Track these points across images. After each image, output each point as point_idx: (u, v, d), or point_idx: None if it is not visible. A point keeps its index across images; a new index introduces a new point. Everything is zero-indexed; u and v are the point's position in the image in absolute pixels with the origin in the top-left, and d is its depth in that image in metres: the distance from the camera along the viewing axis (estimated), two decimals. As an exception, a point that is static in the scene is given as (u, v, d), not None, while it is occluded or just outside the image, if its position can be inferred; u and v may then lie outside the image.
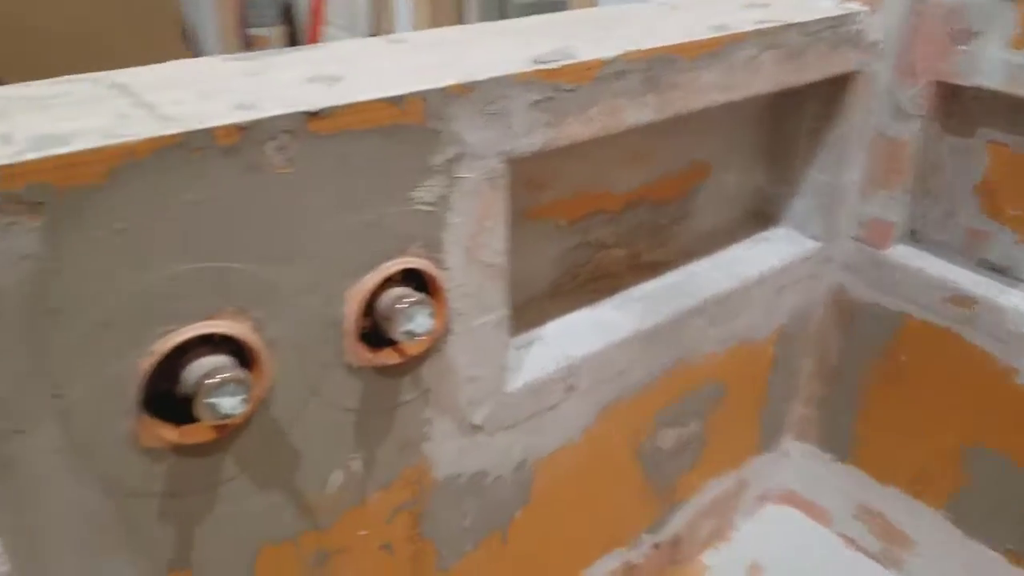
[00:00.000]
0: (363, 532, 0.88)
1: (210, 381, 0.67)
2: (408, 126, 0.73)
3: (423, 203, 0.78)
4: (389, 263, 0.78)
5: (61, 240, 0.59)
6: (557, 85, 0.83)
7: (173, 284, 0.65)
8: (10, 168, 0.56)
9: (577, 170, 1.05)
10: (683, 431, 1.24)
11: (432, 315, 0.78)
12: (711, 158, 1.23)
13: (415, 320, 0.77)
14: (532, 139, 0.84)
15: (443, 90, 0.74)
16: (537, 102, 0.82)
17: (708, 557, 1.42)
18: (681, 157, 1.18)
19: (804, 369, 1.42)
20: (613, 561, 1.23)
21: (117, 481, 0.68)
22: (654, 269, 1.18)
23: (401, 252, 0.78)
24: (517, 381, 0.95)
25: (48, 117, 0.63)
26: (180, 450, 0.71)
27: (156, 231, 0.63)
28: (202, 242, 0.66)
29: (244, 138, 0.65)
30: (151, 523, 0.72)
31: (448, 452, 0.92)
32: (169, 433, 0.69)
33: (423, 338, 0.79)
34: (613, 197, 1.12)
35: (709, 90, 0.96)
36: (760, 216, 1.34)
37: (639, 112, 0.91)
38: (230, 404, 0.68)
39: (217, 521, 0.76)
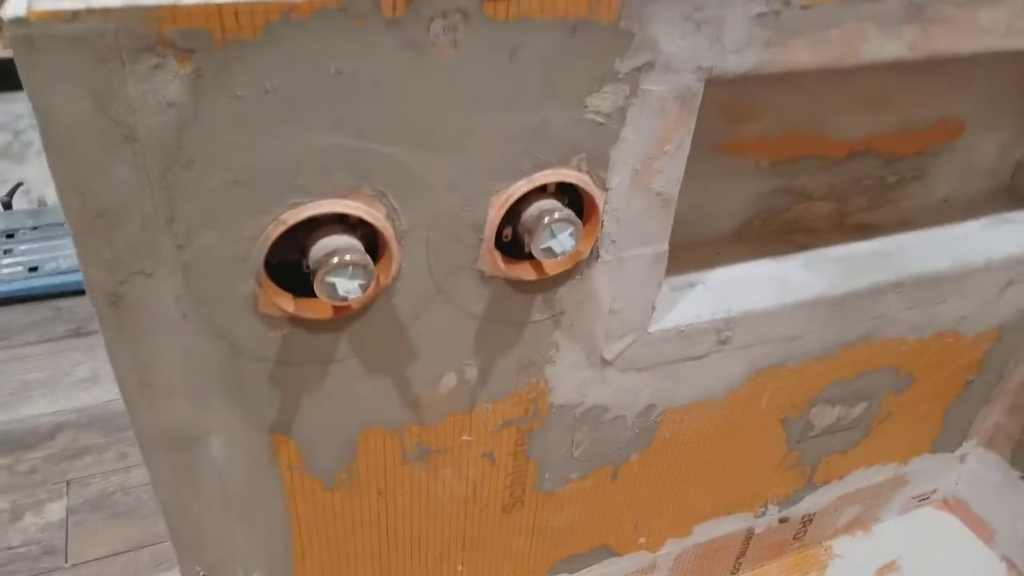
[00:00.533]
0: (467, 437, 0.86)
1: (333, 260, 0.63)
2: (597, 24, 0.63)
3: (596, 112, 0.68)
4: (544, 172, 0.70)
5: (206, 91, 0.56)
6: (790, 0, 0.68)
7: (313, 155, 0.61)
8: (171, 10, 0.52)
9: (792, 104, 0.89)
10: (847, 412, 1.10)
11: (576, 235, 0.70)
12: (967, 116, 1.01)
13: (557, 238, 0.70)
14: (743, 58, 0.70)
15: (646, -15, 0.62)
16: (761, 15, 0.68)
17: (840, 544, 1.30)
18: (929, 109, 0.98)
19: (1017, 377, 1.20)
20: (732, 524, 1.15)
21: (231, 339, 0.68)
22: (862, 232, 1.01)
23: (560, 163, 0.70)
24: (664, 322, 0.86)
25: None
26: (296, 322, 0.70)
27: (304, 97, 0.59)
28: (349, 116, 0.61)
29: (411, 11, 0.57)
30: (259, 385, 0.72)
31: (571, 380, 0.86)
32: (287, 303, 0.68)
33: (562, 258, 0.71)
34: (831, 143, 0.95)
35: (986, 32, 0.76)
36: (1014, 195, 1.10)
37: (888, 45, 0.74)
38: (348, 287, 0.64)
39: (324, 396, 0.76)
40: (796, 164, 0.95)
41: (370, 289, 0.67)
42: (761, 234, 1.00)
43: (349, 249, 0.65)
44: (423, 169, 0.65)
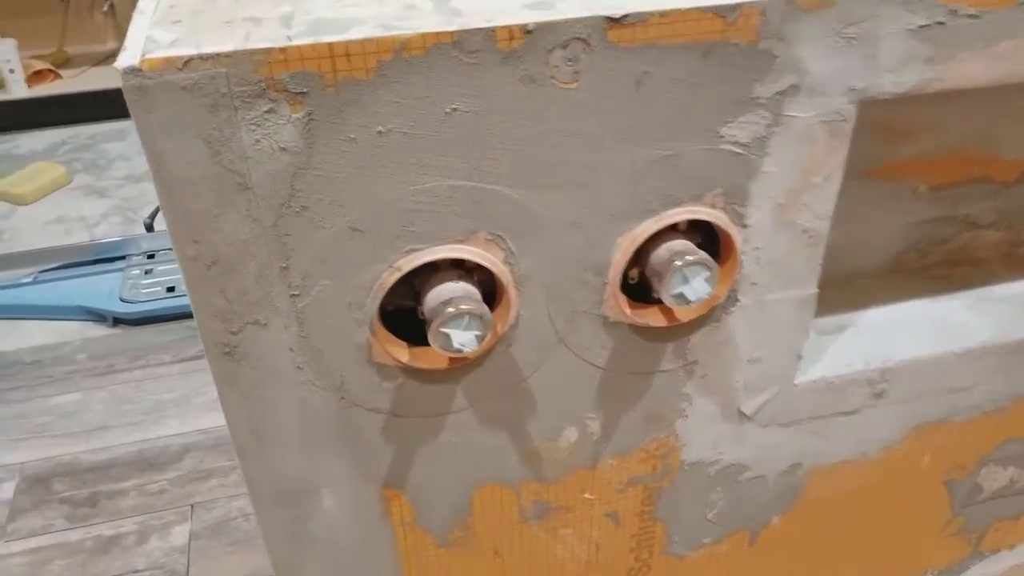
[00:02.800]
0: (589, 495, 0.80)
1: (449, 310, 0.60)
2: (733, 45, 0.57)
3: (733, 143, 0.61)
4: (676, 210, 0.63)
5: (319, 135, 0.54)
6: (955, 8, 0.60)
7: (428, 199, 0.58)
8: (282, 53, 0.50)
9: (956, 120, 0.79)
10: (1021, 475, 0.96)
11: (711, 281, 0.64)
12: None
13: (691, 283, 0.63)
14: (901, 77, 0.62)
15: (789, 1, 0.56)
16: (921, 28, 0.60)
17: (1011, 622, 1.14)
18: (1123, 121, 0.85)
19: None
20: (883, 595, 1.03)
21: (344, 389, 0.65)
22: (1037, 266, 0.89)
23: (693, 199, 0.63)
24: (811, 373, 0.77)
25: (336, 1, 0.57)
26: (410, 372, 0.66)
27: (417, 138, 0.55)
28: (465, 157, 0.57)
29: (529, 43, 0.53)
30: (373, 437, 0.69)
31: (705, 435, 0.79)
32: (401, 352, 0.65)
33: (696, 305, 0.65)
34: (1003, 164, 0.84)
35: None
36: None
37: (1079, 54, 0.64)
38: (464, 339, 0.60)
39: (439, 449, 0.72)
40: (960, 188, 0.85)
41: (487, 339, 0.62)
42: (918, 268, 0.90)
43: (465, 298, 0.61)
44: (543, 210, 0.61)
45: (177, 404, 1.88)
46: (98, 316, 2.13)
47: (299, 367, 0.64)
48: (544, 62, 0.54)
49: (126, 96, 0.50)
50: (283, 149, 0.54)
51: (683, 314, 0.67)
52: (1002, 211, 0.88)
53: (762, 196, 0.65)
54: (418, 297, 0.66)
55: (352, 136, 0.54)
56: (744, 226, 0.66)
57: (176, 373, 1.94)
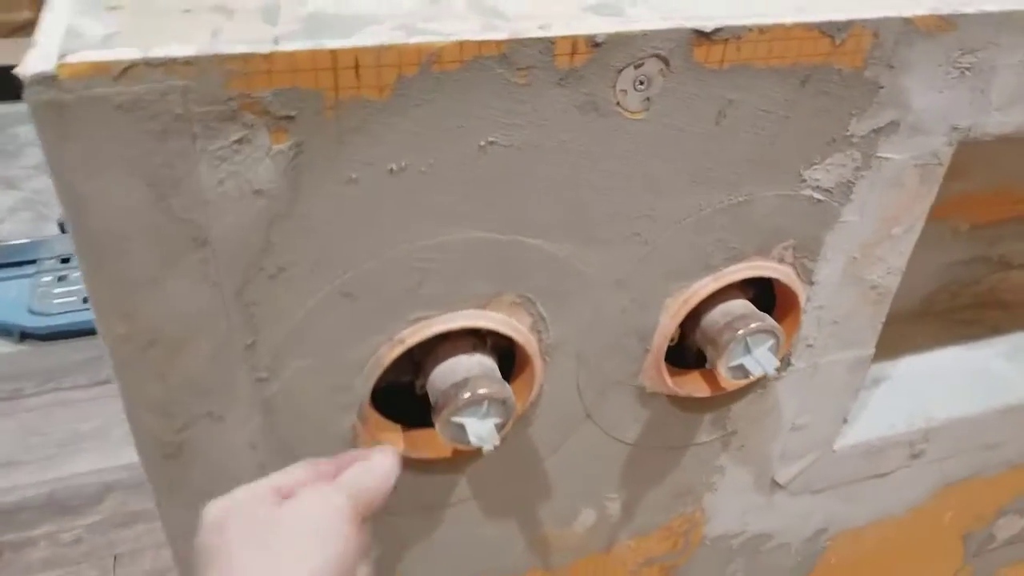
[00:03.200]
0: (600, 579, 0.68)
1: (464, 395, 0.47)
2: (836, 71, 0.45)
3: (816, 188, 0.50)
4: (738, 266, 0.52)
5: (308, 174, 0.39)
6: (1082, 34, 0.50)
7: (445, 255, 0.44)
8: (266, 61, 0.36)
9: (1012, 159, 0.71)
10: (1032, 522, 0.90)
11: (776, 350, 0.53)
12: None
13: (754, 354, 0.52)
14: (1008, 116, 0.52)
15: (907, 21, 0.45)
16: (1040, 55, 0.50)
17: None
18: None
19: None
20: (883, 649, 0.96)
21: (323, 489, 0.51)
22: (1072, 310, 0.82)
23: (759, 253, 0.52)
24: (852, 436, 0.68)
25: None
26: (406, 462, 0.53)
27: (440, 179, 0.42)
28: (498, 203, 0.44)
29: (595, 60, 0.40)
30: (355, 540, 0.55)
31: (732, 508, 0.68)
32: (395, 440, 0.51)
33: (755, 377, 0.53)
34: (1049, 200, 0.76)
35: None
36: None
37: None
38: (481, 430, 0.47)
39: (433, 546, 0.58)
40: (1000, 228, 0.77)
41: (508, 426, 0.49)
42: (947, 310, 0.82)
43: (483, 378, 0.48)
44: (586, 267, 0.48)
45: (95, 436, 1.58)
46: (2, 330, 1.78)
47: (262, 467, 0.49)
48: (610, 85, 0.41)
49: (32, 114, 0.35)
50: (257, 192, 0.39)
51: (731, 383, 0.56)
52: (1033, 248, 0.81)
53: (836, 249, 0.54)
54: (417, 368, 0.52)
55: (353, 176, 0.40)
56: (811, 283, 0.55)
57: (93, 398, 1.64)
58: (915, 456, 0.72)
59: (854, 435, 0.68)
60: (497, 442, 0.47)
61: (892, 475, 0.73)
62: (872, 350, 0.62)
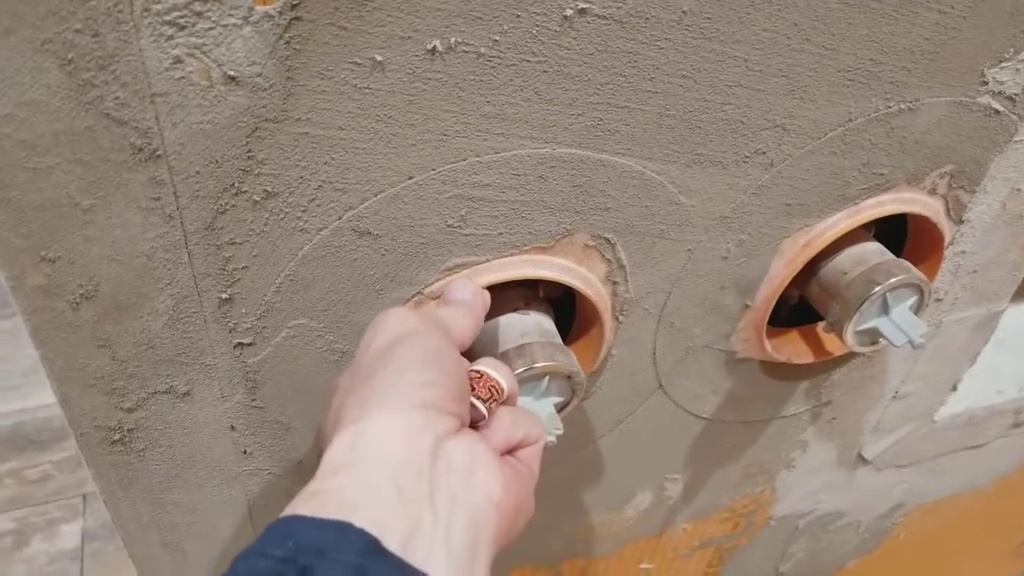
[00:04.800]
0: (646, 565, 0.58)
1: (518, 368, 0.34)
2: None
3: (998, 95, 0.37)
4: (880, 198, 0.39)
5: (309, 55, 0.26)
6: None
7: (501, 178, 0.31)
8: None
9: None
10: (1109, 487, 0.81)
11: (922, 309, 0.41)
12: None
13: (894, 314, 0.40)
14: None
15: None
16: None
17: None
18: None
19: None
20: (929, 618, 0.88)
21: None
22: None
23: (909, 180, 0.39)
24: (954, 405, 0.57)
25: None
26: (433, 447, 0.41)
27: (504, 65, 0.28)
28: (583, 103, 0.30)
29: None
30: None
31: (806, 486, 0.57)
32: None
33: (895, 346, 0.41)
34: None
35: None
36: None
37: None
38: (540, 415, 0.35)
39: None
40: None
41: (572, 405, 0.37)
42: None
43: (543, 346, 0.35)
44: (687, 196, 0.35)
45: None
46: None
47: (246, 452, 0.37)
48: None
49: None
50: (232, 80, 0.25)
51: (858, 350, 0.44)
52: None
53: (1000, 178, 0.41)
54: (449, 327, 0.39)
55: (377, 58, 0.26)
56: (960, 221, 0.42)
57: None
58: (1017, 425, 0.61)
59: (957, 404, 0.57)
60: (560, 430, 0.35)
61: (988, 446, 0.62)
62: (1007, 305, 0.50)
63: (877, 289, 0.39)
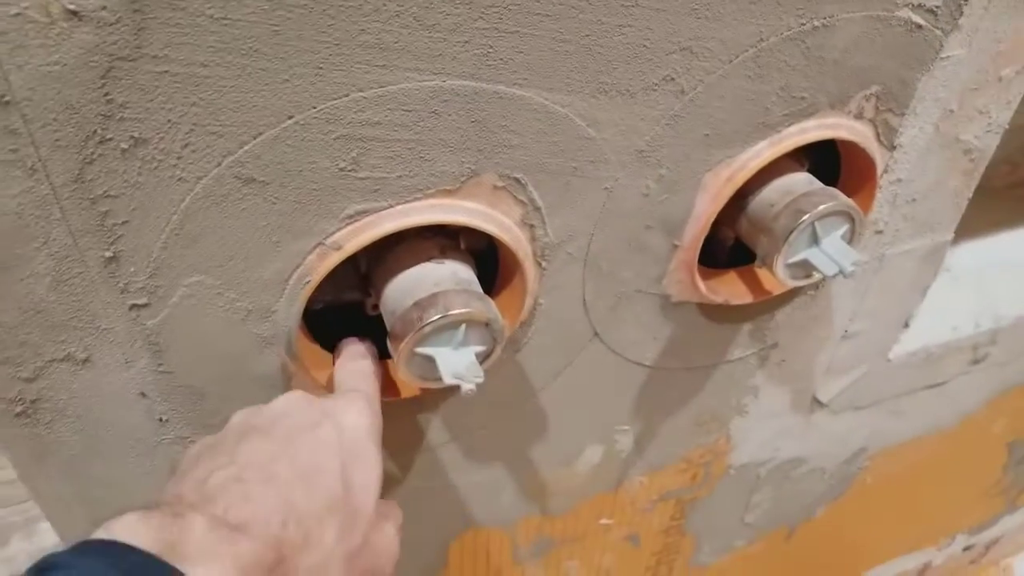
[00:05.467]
0: (607, 520, 0.57)
1: (431, 319, 0.33)
2: None
3: (917, 7, 0.36)
4: (802, 124, 0.38)
5: (154, -21, 0.24)
6: None
7: (391, 116, 0.30)
8: None
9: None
10: (1080, 423, 0.81)
11: (855, 237, 0.39)
12: None
13: (825, 244, 0.39)
14: None
15: None
16: None
17: (1020, 564, 1.03)
18: None
19: None
20: (909, 562, 0.88)
21: (247, 448, 0.38)
22: None
23: (833, 105, 0.38)
24: (909, 343, 0.56)
25: None
26: (359, 407, 0.40)
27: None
28: (465, 28, 0.29)
29: None
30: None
31: (762, 432, 0.57)
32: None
33: (827, 278, 0.40)
34: None
35: None
36: None
37: None
38: (458, 365, 0.34)
39: (406, 500, 0.46)
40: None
41: (495, 354, 0.36)
42: (1005, 186, 0.69)
43: (459, 293, 0.34)
44: (596, 129, 0.34)
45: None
46: None
47: (162, 420, 0.36)
48: None
49: None
50: (74, 14, 0.24)
51: (790, 284, 0.43)
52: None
53: (930, 99, 0.40)
54: (365, 282, 0.38)
55: (237, -18, 0.25)
56: (892, 147, 0.41)
57: None
58: (977, 362, 0.60)
59: (912, 341, 0.56)
60: (480, 378, 0.34)
61: (947, 384, 0.62)
62: (951, 235, 0.49)
63: (804, 218, 0.38)
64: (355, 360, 0.35)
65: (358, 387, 0.33)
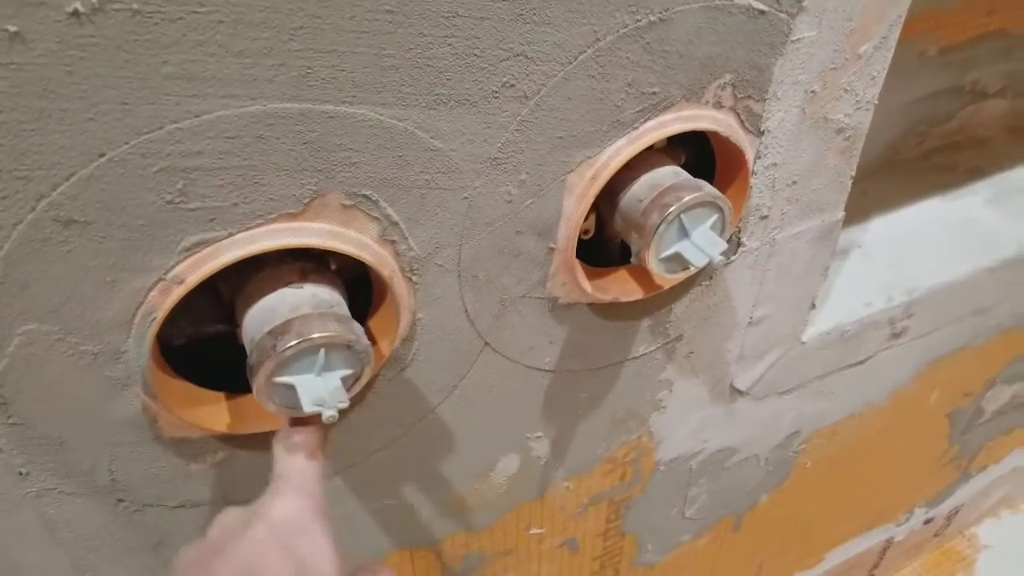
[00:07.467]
0: (537, 530, 0.57)
1: (287, 344, 0.32)
2: None
3: (756, -6, 0.36)
4: (660, 119, 0.38)
5: None
6: None
7: (211, 144, 0.29)
8: None
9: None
10: None
11: (722, 227, 0.39)
12: None
13: (694, 236, 0.38)
14: None
15: None
16: None
17: (986, 532, 1.04)
18: None
19: None
20: (870, 539, 0.88)
21: (120, 488, 0.37)
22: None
23: (687, 96, 0.38)
24: (821, 323, 0.56)
25: None
26: (236, 440, 0.39)
27: (174, 17, 0.26)
28: (276, 49, 0.28)
29: None
30: (189, 542, 0.42)
31: (685, 426, 0.56)
32: (214, 416, 0.37)
33: (697, 269, 0.40)
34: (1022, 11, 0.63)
35: None
36: None
37: None
38: (320, 391, 0.33)
39: (310, 532, 0.45)
40: (972, 48, 0.63)
41: (365, 376, 0.36)
42: (916, 156, 0.69)
43: (315, 317, 0.33)
44: (441, 140, 0.33)
45: None
46: None
47: (21, 473, 0.35)
48: None
49: None
50: None
51: (667, 279, 0.43)
52: (1013, 74, 0.68)
53: (789, 82, 0.40)
54: (230, 312, 0.38)
55: (12, 29, 0.24)
56: (760, 133, 0.41)
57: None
58: (896, 335, 0.60)
59: (824, 321, 0.56)
60: (344, 403, 0.33)
61: (870, 360, 0.62)
62: (842, 214, 0.49)
63: (670, 211, 0.37)
64: (284, 440, 0.34)
65: (283, 472, 0.33)
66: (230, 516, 0.32)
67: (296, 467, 0.33)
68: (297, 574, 0.29)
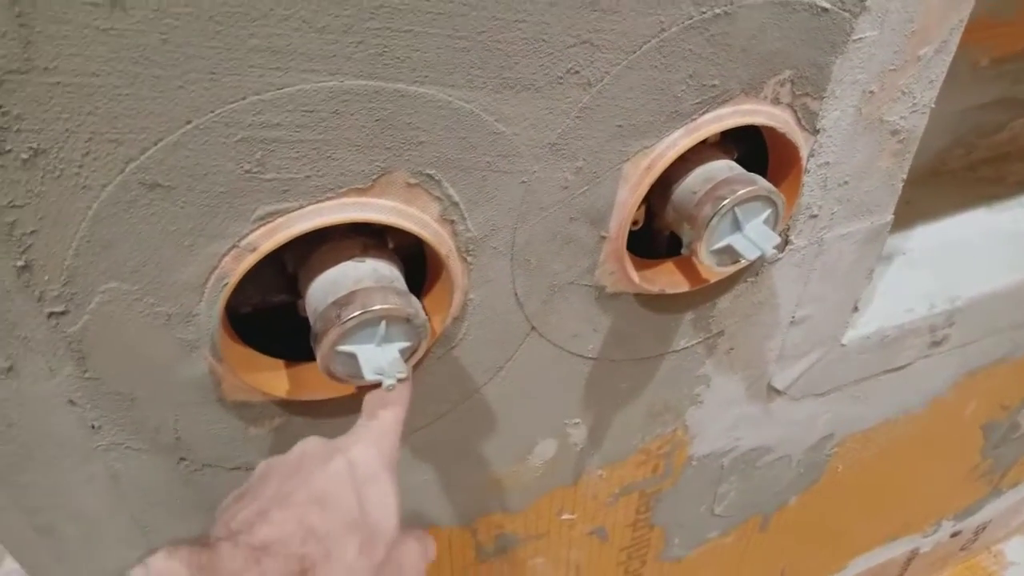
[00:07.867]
0: (569, 515, 0.57)
1: (350, 315, 0.34)
2: None
3: (820, -8, 0.36)
4: (718, 112, 0.38)
5: (41, 1, 0.25)
6: None
7: (292, 116, 0.30)
8: None
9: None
10: (1058, 403, 0.80)
11: (776, 222, 0.40)
12: None
13: (747, 230, 0.39)
14: None
15: None
16: None
17: (1012, 549, 1.03)
18: None
19: None
20: (895, 549, 0.88)
21: (184, 447, 0.39)
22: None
23: (747, 91, 0.38)
24: (862, 327, 0.56)
25: None
26: (294, 406, 0.40)
27: (258, -6, 0.27)
28: (359, 29, 0.29)
29: None
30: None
31: (721, 422, 0.57)
32: (275, 381, 0.38)
33: (748, 262, 0.41)
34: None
35: None
36: None
37: None
38: (382, 360, 0.35)
39: (352, 503, 0.46)
40: (1028, 61, 0.63)
41: (421, 349, 0.37)
42: (963, 167, 0.69)
43: (377, 290, 0.35)
44: (505, 124, 0.34)
45: None
46: None
47: (94, 427, 0.37)
48: None
49: None
50: (-38, 30, 0.25)
51: (716, 271, 0.43)
52: (1069, 83, 0.67)
53: (847, 81, 0.40)
54: (293, 283, 0.39)
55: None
56: (815, 131, 0.42)
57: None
58: (936, 344, 0.60)
59: (866, 325, 0.56)
60: (404, 374, 0.34)
61: (909, 368, 0.62)
62: (891, 217, 0.49)
63: (724, 204, 0.38)
64: (378, 393, 0.35)
65: (368, 422, 0.34)
66: (312, 443, 0.33)
67: (381, 420, 0.34)
68: (360, 515, 0.31)
